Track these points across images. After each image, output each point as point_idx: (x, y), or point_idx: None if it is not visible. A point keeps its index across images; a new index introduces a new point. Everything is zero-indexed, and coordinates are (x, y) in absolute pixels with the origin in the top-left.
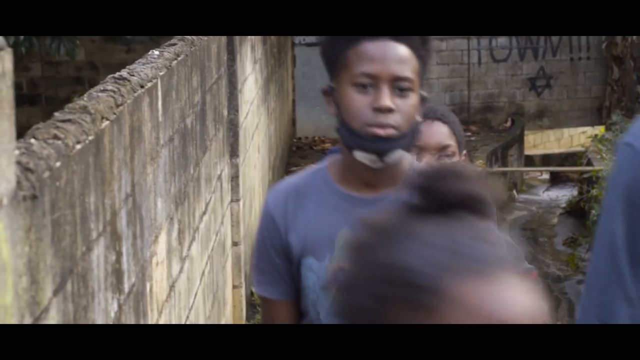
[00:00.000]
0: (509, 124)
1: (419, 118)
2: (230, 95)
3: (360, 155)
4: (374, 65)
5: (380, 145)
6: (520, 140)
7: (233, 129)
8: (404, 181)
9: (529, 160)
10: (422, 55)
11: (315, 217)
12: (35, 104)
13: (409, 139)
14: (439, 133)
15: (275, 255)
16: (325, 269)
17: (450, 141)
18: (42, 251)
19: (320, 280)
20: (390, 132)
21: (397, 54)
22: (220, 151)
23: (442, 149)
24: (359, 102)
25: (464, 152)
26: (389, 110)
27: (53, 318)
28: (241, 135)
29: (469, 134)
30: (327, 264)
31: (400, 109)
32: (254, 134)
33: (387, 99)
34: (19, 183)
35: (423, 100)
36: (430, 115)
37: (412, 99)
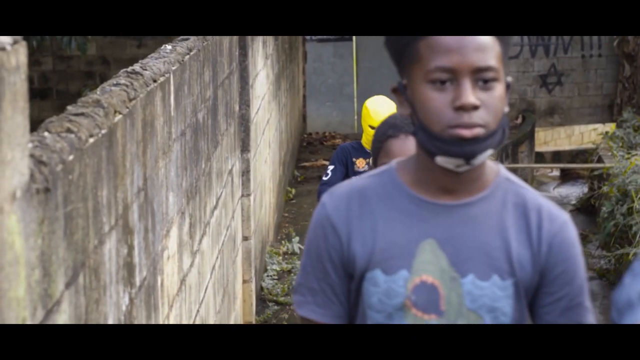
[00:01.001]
0: (519, 120)
1: (506, 109)
2: (242, 90)
3: (443, 161)
4: (451, 57)
5: (468, 149)
6: (531, 137)
7: (244, 123)
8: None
9: (540, 157)
10: (503, 36)
11: (384, 225)
12: (46, 98)
13: (498, 136)
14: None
15: (332, 270)
16: (396, 282)
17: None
18: (54, 244)
19: (388, 296)
20: (477, 132)
21: (476, 41)
22: (231, 146)
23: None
24: (437, 101)
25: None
26: (474, 108)
27: (65, 311)
28: (252, 130)
29: None
30: (404, 277)
31: (486, 104)
32: (265, 129)
33: (470, 95)
34: (32, 176)
35: (509, 87)
36: (402, 128)
37: (498, 90)
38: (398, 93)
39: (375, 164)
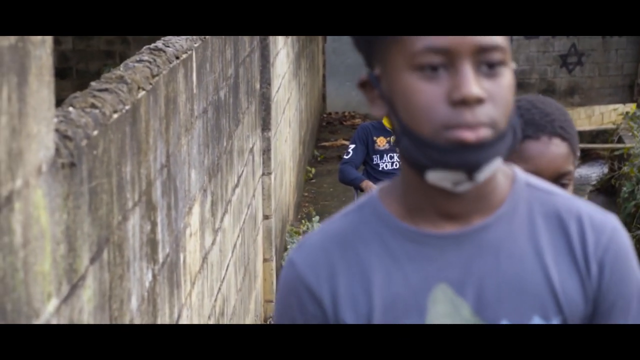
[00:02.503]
0: None
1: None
2: (263, 68)
3: (437, 178)
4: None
5: (472, 157)
6: None
7: (265, 102)
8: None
9: None
10: None
11: (379, 276)
12: (66, 77)
13: (509, 139)
14: (559, 156)
15: None
16: None
17: (571, 166)
18: (79, 219)
19: None
20: (483, 134)
21: None
22: (252, 124)
23: (560, 177)
24: (426, 94)
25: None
26: (478, 101)
27: (90, 286)
28: (273, 109)
29: None
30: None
31: (494, 96)
32: (285, 108)
33: (472, 84)
34: (57, 150)
35: (514, 75)
36: (544, 128)
37: (507, 77)
38: (368, 87)
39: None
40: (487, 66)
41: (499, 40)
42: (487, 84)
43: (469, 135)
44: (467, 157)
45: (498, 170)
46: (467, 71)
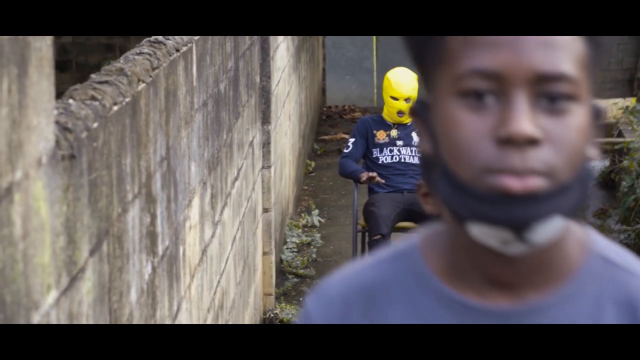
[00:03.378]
0: None
1: (593, 152)
2: (263, 61)
3: (481, 232)
4: (497, 54)
5: (518, 213)
6: None
7: (265, 95)
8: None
9: None
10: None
11: None
12: (66, 70)
13: (574, 195)
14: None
15: None
16: None
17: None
18: (79, 211)
19: None
20: (533, 184)
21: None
22: (252, 117)
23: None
24: (469, 127)
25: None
26: (531, 142)
27: (89, 278)
28: (273, 102)
29: None
30: None
31: (554, 137)
32: (285, 101)
33: (524, 119)
34: (57, 142)
35: (598, 116)
36: None
37: (577, 115)
38: (417, 117)
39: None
40: (549, 100)
41: (567, 67)
42: (546, 122)
43: (514, 184)
44: (512, 211)
45: (566, 235)
46: (520, 103)
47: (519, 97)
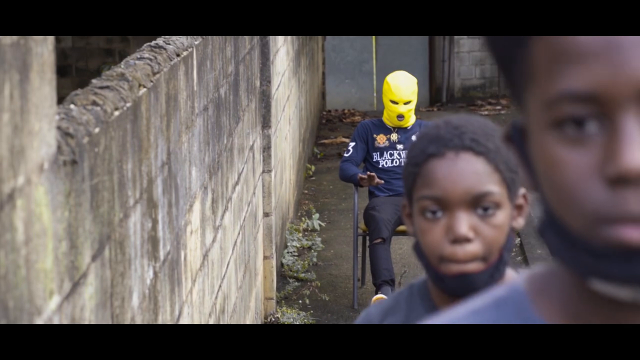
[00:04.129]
0: None
1: None
2: (263, 66)
3: (604, 288)
4: (597, 71)
5: None
6: None
7: (265, 99)
8: None
9: None
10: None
11: None
12: (66, 75)
13: None
14: (470, 174)
15: None
16: None
17: (493, 185)
18: (81, 216)
19: None
20: None
21: None
22: (252, 122)
23: (477, 201)
24: (571, 166)
25: (522, 192)
26: None
27: (91, 284)
28: (273, 106)
29: (499, 107)
30: None
31: None
32: (285, 105)
33: (637, 150)
34: (59, 148)
35: None
36: (449, 141)
37: None
38: (512, 145)
39: (410, 203)
40: None
41: None
42: None
43: (635, 236)
44: (637, 269)
45: None
46: (630, 128)
47: (627, 121)
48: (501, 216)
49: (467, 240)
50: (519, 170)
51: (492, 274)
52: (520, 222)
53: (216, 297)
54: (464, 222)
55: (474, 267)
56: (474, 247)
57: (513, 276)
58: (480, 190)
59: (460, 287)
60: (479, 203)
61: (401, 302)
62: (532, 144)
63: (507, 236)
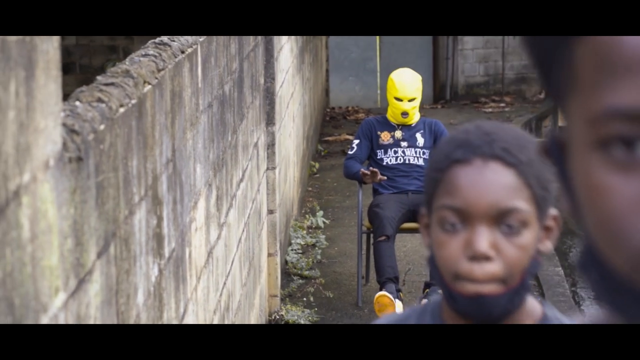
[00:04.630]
0: (543, 95)
1: None
2: (267, 63)
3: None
4: None
5: None
6: (554, 112)
7: (269, 97)
8: None
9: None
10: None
11: None
12: (69, 72)
13: None
14: (498, 186)
15: None
16: None
17: (522, 202)
18: (86, 213)
19: None
20: None
21: None
22: (256, 119)
23: (501, 216)
24: (621, 194)
25: (553, 213)
26: None
27: (97, 281)
28: (277, 103)
29: (503, 104)
30: None
31: None
32: (289, 102)
33: None
34: (64, 144)
35: None
36: (478, 148)
37: None
38: (550, 159)
39: (429, 212)
40: None
41: None
42: None
43: None
44: None
45: None
46: None
47: None
48: (527, 236)
49: (486, 258)
50: (553, 188)
51: (511, 298)
52: (547, 246)
53: (221, 295)
54: (485, 238)
55: (491, 288)
56: (493, 267)
57: (534, 304)
58: (506, 205)
59: (474, 309)
60: (503, 219)
61: (411, 317)
62: (573, 163)
63: (531, 259)
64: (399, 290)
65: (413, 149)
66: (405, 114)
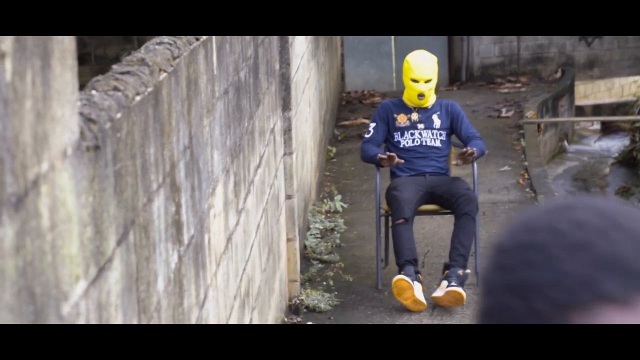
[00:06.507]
0: (559, 74)
1: None
2: (282, 48)
3: None
4: None
5: None
6: (570, 91)
7: (285, 82)
8: None
9: (580, 111)
10: None
11: None
12: (84, 63)
13: None
14: None
15: None
16: None
17: None
18: (105, 202)
19: None
20: None
21: None
22: (273, 104)
23: None
24: None
25: None
26: None
27: (117, 268)
28: (293, 88)
29: (519, 84)
30: None
31: None
32: (304, 87)
33: None
34: (82, 133)
35: None
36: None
37: None
38: None
39: None
40: None
41: None
42: None
43: None
44: None
45: None
46: None
47: None
48: None
49: None
50: None
51: None
52: None
53: (241, 280)
54: None
55: None
56: None
57: None
58: None
59: None
60: None
61: None
62: None
63: None
64: (417, 272)
65: (430, 131)
66: (421, 95)
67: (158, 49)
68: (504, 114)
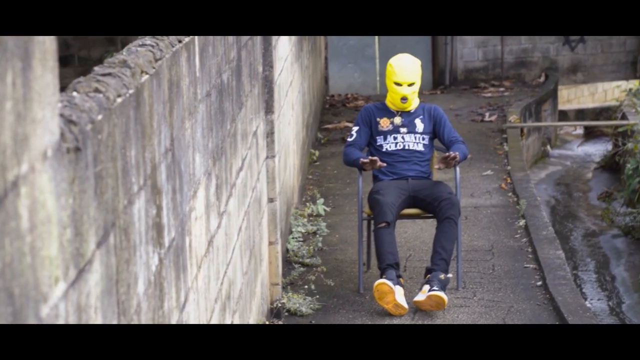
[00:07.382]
0: (542, 79)
1: None
2: (265, 51)
3: None
4: None
5: None
6: (554, 95)
7: (268, 85)
8: None
9: (563, 115)
10: None
11: None
12: (68, 64)
13: None
14: None
15: None
16: None
17: None
18: (85, 203)
19: None
20: None
21: None
22: (255, 107)
23: None
24: None
25: None
26: None
27: (96, 270)
28: (276, 91)
29: (502, 89)
30: None
31: None
32: (288, 90)
33: None
34: (62, 135)
35: None
36: None
37: None
38: None
39: None
40: None
41: None
42: None
43: None
44: None
45: None
46: None
47: None
48: None
49: None
50: None
51: None
52: None
53: (222, 283)
54: None
55: None
56: None
57: None
58: None
59: None
60: None
61: None
62: None
63: None
64: (399, 277)
65: (413, 135)
66: (404, 99)
67: (140, 50)
68: (487, 118)
